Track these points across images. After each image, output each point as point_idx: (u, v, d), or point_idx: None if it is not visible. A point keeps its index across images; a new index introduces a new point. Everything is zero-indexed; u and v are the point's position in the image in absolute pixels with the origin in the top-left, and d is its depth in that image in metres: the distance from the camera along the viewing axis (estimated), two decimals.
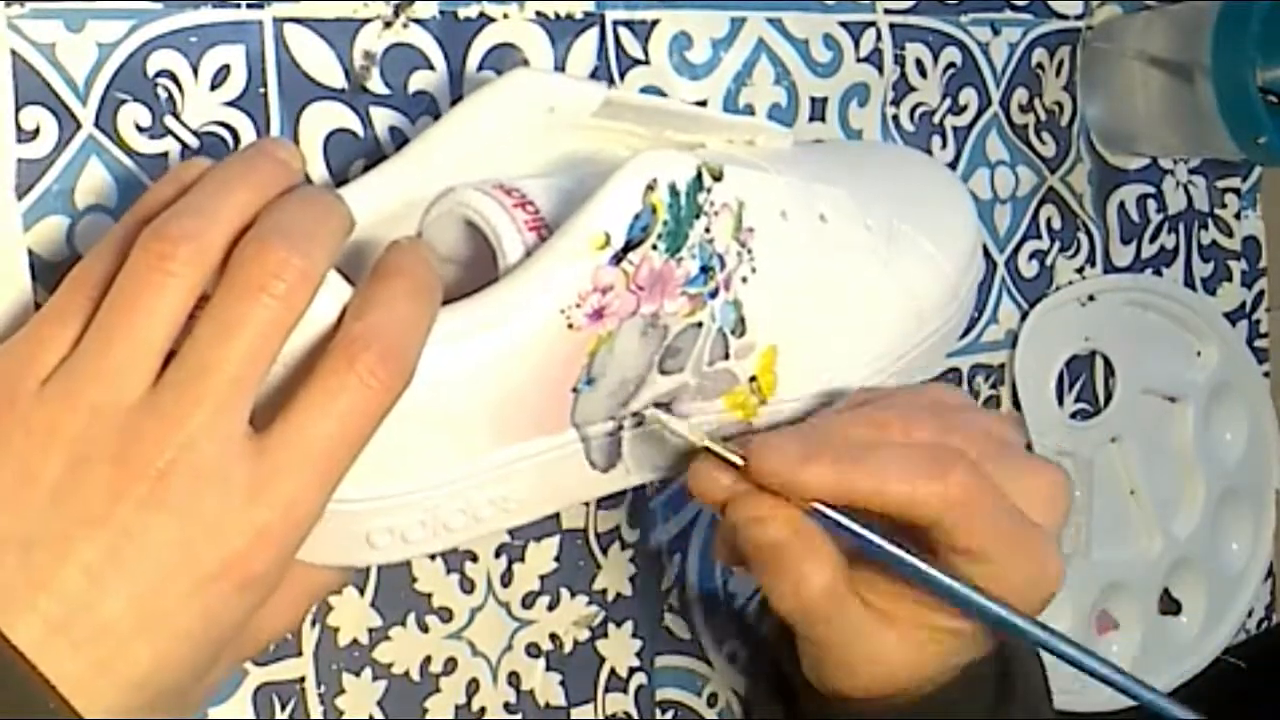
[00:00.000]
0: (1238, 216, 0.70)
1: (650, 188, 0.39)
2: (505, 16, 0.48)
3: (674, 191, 0.40)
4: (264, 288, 0.33)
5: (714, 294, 0.42)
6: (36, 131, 0.40)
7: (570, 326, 0.39)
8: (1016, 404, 0.63)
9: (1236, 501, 0.71)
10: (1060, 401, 0.64)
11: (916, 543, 0.41)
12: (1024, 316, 0.63)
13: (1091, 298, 0.65)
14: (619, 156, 0.45)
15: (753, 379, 0.44)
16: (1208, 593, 0.69)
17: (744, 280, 0.43)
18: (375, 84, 0.46)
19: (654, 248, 0.39)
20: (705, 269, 0.41)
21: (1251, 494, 0.71)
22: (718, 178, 0.41)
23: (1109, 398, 0.66)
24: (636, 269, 0.39)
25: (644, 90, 0.51)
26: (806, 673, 0.45)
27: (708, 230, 0.41)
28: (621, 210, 0.39)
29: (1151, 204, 0.67)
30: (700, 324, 0.42)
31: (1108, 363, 0.66)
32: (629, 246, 0.39)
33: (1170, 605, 0.69)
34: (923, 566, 0.41)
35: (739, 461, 0.41)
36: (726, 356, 0.43)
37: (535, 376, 0.39)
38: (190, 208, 0.34)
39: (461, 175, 0.41)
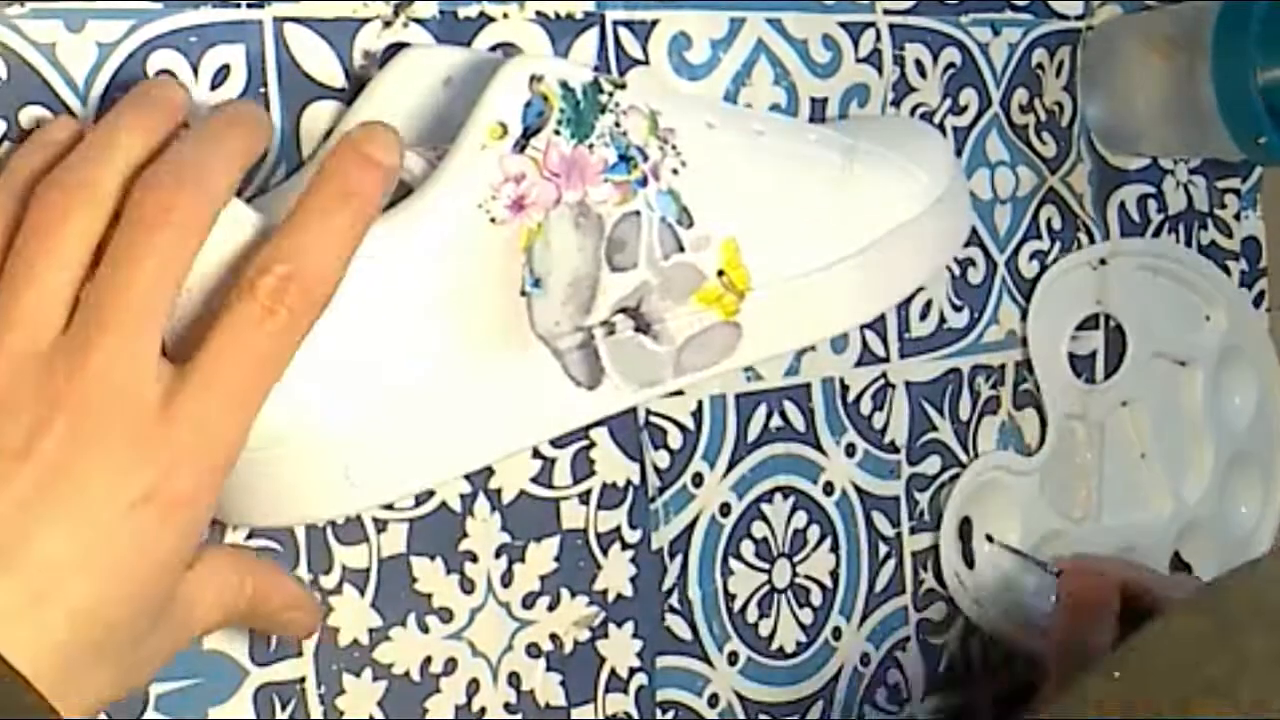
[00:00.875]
0: (1238, 217, 0.70)
1: (536, 78, 0.40)
2: (505, 16, 0.48)
3: (565, 86, 0.40)
4: (156, 222, 0.34)
5: (643, 182, 0.42)
6: None
7: (493, 220, 0.39)
8: (1029, 370, 0.63)
9: (1246, 465, 0.71)
10: (1072, 365, 0.64)
11: None
12: (1024, 316, 0.63)
13: (1103, 261, 0.65)
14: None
15: (721, 273, 0.44)
16: (1218, 556, 0.69)
17: (674, 172, 0.43)
18: None
19: (556, 133, 0.40)
20: (624, 158, 0.42)
21: (1261, 458, 0.71)
22: (620, 86, 0.42)
23: (1120, 361, 0.66)
24: (544, 154, 0.40)
25: None
26: None
27: (618, 124, 0.41)
28: (511, 100, 0.39)
29: (1152, 204, 0.67)
30: (637, 212, 0.42)
31: (1119, 326, 0.66)
32: (528, 133, 0.39)
33: (1181, 568, 0.69)
34: None
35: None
36: (681, 249, 0.43)
37: (475, 278, 0.39)
38: (82, 156, 0.36)
39: None
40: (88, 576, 0.33)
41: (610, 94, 0.41)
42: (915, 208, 0.49)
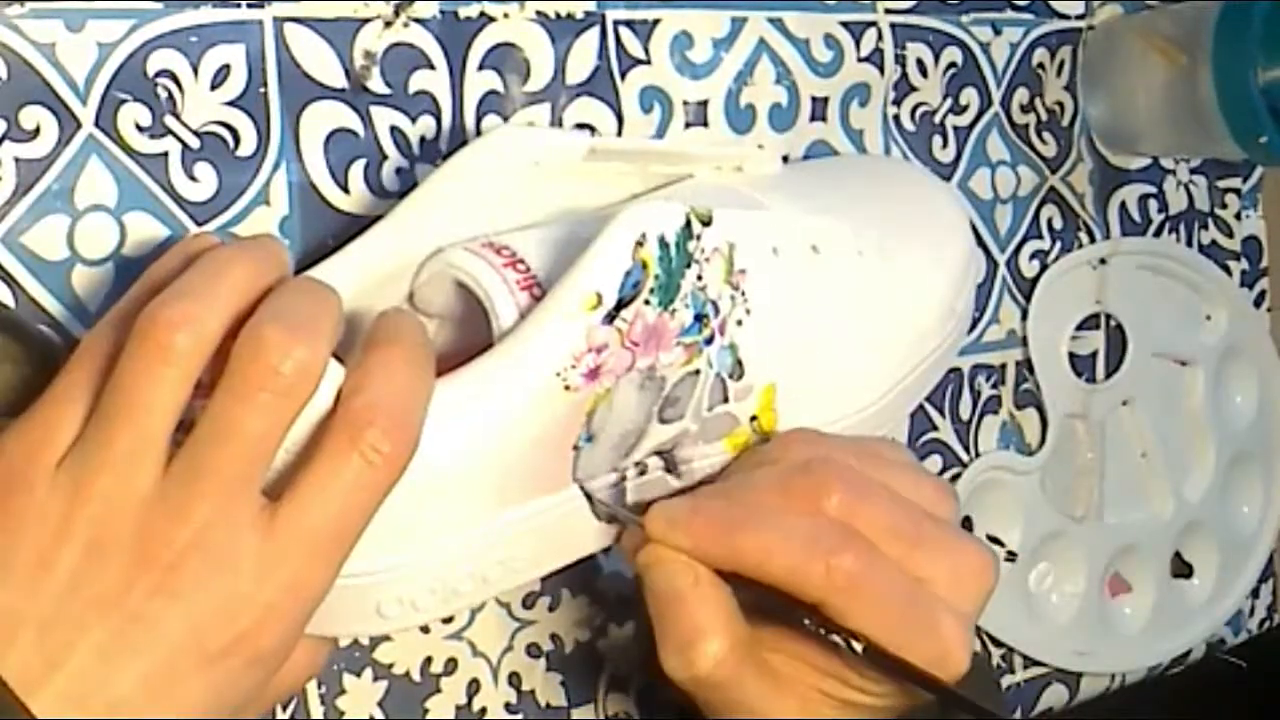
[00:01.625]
0: (1238, 217, 0.70)
1: (640, 243, 0.39)
2: (506, 16, 0.48)
3: (663, 244, 0.39)
4: (264, 385, 0.33)
5: (709, 340, 0.42)
6: (36, 131, 0.40)
7: (567, 388, 0.39)
8: (1030, 370, 0.63)
9: (1248, 465, 0.71)
10: (1072, 364, 0.64)
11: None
12: (1024, 316, 0.63)
13: (1103, 260, 0.65)
14: (608, 204, 0.45)
15: (753, 418, 0.44)
16: (1219, 556, 0.70)
17: (739, 323, 0.43)
18: (376, 83, 0.46)
19: (646, 303, 0.39)
20: (699, 317, 0.41)
21: (1262, 457, 0.71)
22: (706, 223, 0.41)
23: (1121, 361, 0.66)
24: (630, 325, 0.39)
25: (646, 90, 0.51)
26: None
27: (700, 278, 0.41)
28: (612, 269, 0.39)
29: (1153, 204, 0.67)
30: (698, 371, 0.42)
31: (1119, 326, 0.66)
32: (621, 304, 0.39)
33: (1182, 568, 0.69)
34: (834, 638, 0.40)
35: (640, 524, 0.41)
36: (726, 400, 0.43)
37: (535, 439, 0.39)
38: (186, 290, 0.35)
39: (449, 235, 0.41)
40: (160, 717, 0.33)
41: (699, 237, 0.40)
42: (941, 332, 0.50)
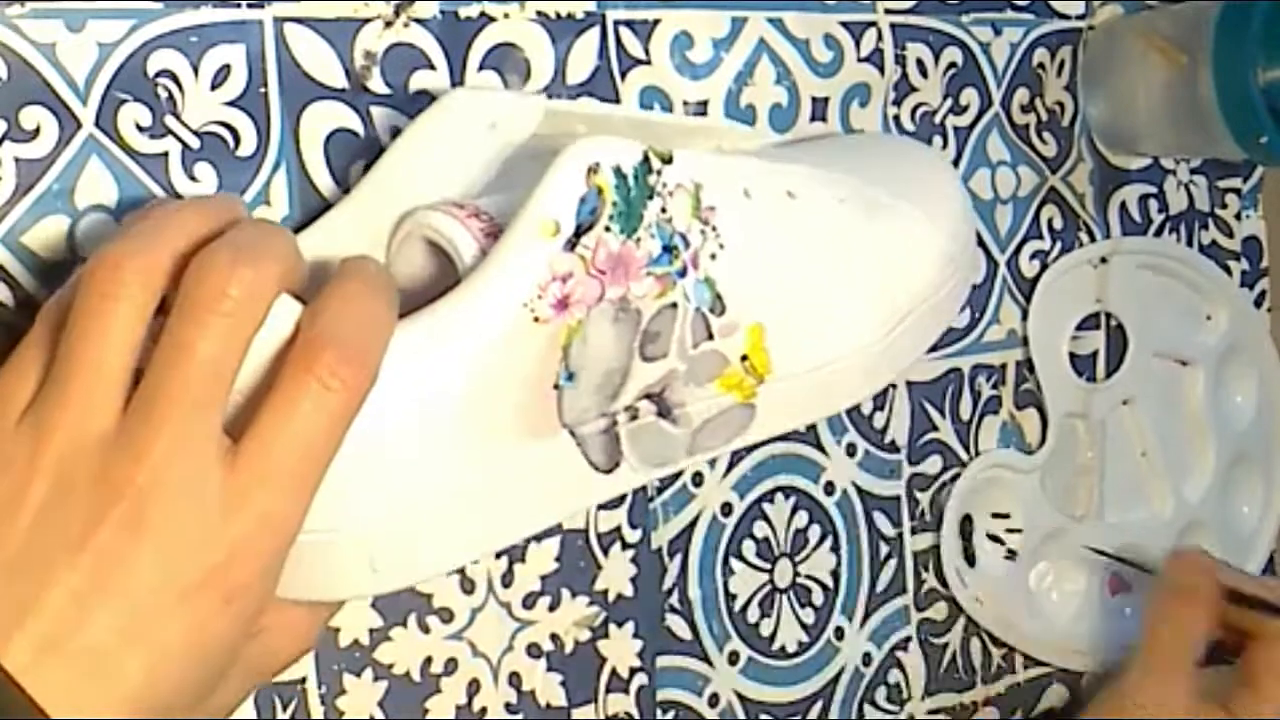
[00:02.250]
0: (1238, 217, 0.70)
1: (593, 170, 0.39)
2: (506, 16, 0.48)
3: (619, 173, 0.39)
4: (212, 307, 0.33)
5: (682, 273, 0.42)
6: (36, 131, 0.40)
7: (536, 319, 0.38)
8: (1030, 370, 0.63)
9: (1247, 465, 0.71)
10: (1073, 364, 0.64)
11: None
12: (1024, 316, 0.63)
13: (1104, 260, 0.65)
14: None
15: (744, 358, 0.44)
16: (1219, 556, 0.69)
17: (713, 257, 0.42)
18: (376, 84, 0.46)
19: (607, 229, 0.39)
20: (668, 248, 0.41)
21: (1262, 458, 0.71)
22: (667, 160, 0.41)
23: (1121, 360, 0.66)
24: (593, 252, 0.39)
25: (646, 90, 0.51)
26: None
27: (664, 210, 0.41)
28: (566, 195, 0.38)
29: (1153, 204, 0.67)
30: (674, 304, 0.42)
31: (1120, 325, 0.66)
32: (580, 230, 0.39)
33: None
34: None
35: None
36: (710, 336, 0.43)
37: (512, 376, 0.39)
38: (133, 231, 0.35)
39: (412, 202, 0.41)
40: (139, 661, 0.33)
41: (659, 172, 0.40)
42: (935, 278, 0.49)
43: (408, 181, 0.42)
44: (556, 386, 0.40)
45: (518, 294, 0.38)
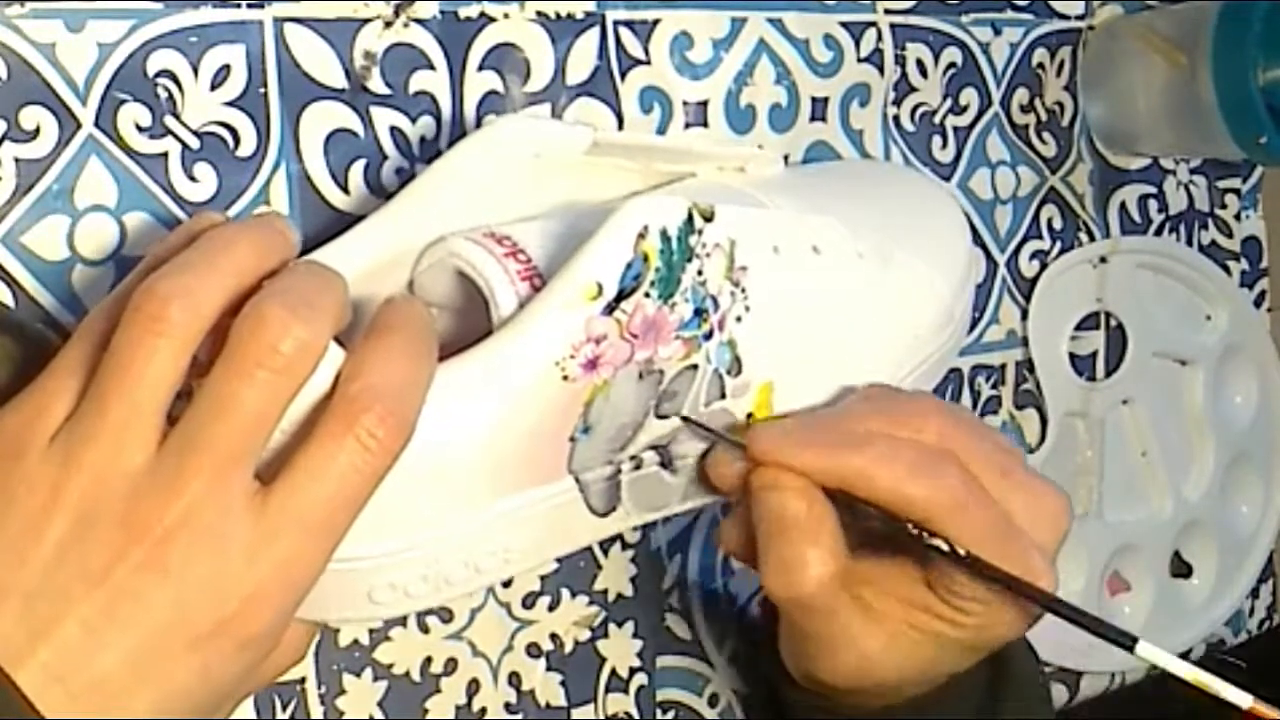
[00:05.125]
0: (1238, 217, 0.70)
1: (641, 235, 0.39)
2: (506, 16, 0.48)
3: (665, 237, 0.39)
4: (262, 362, 0.33)
5: (708, 336, 0.42)
6: (36, 131, 0.40)
7: (565, 378, 0.39)
8: (1030, 370, 0.63)
9: (1247, 465, 0.71)
10: (1072, 363, 0.64)
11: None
12: (1024, 317, 0.63)
13: (1104, 259, 0.65)
14: (609, 198, 0.45)
15: (749, 415, 0.44)
16: (1218, 556, 0.70)
17: (738, 319, 0.42)
18: (376, 84, 0.46)
19: (646, 295, 0.39)
20: (699, 311, 0.41)
21: (1262, 457, 0.72)
22: (709, 218, 0.41)
23: (1121, 360, 0.66)
24: (630, 317, 0.39)
25: (645, 91, 0.51)
26: (788, 663, 0.46)
27: (700, 273, 0.41)
28: (613, 260, 0.38)
29: (1153, 204, 0.67)
30: (695, 366, 0.42)
31: (1120, 325, 0.66)
32: (621, 295, 0.39)
33: (1181, 568, 0.69)
34: (938, 542, 0.41)
35: (742, 443, 0.42)
36: (723, 396, 0.43)
37: (532, 429, 0.39)
38: (183, 264, 0.34)
39: (451, 225, 0.41)
40: (147, 699, 0.33)
41: (700, 231, 0.40)
42: (936, 338, 0.50)
43: (445, 201, 0.42)
44: (572, 439, 0.40)
45: (551, 353, 0.38)
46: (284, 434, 0.34)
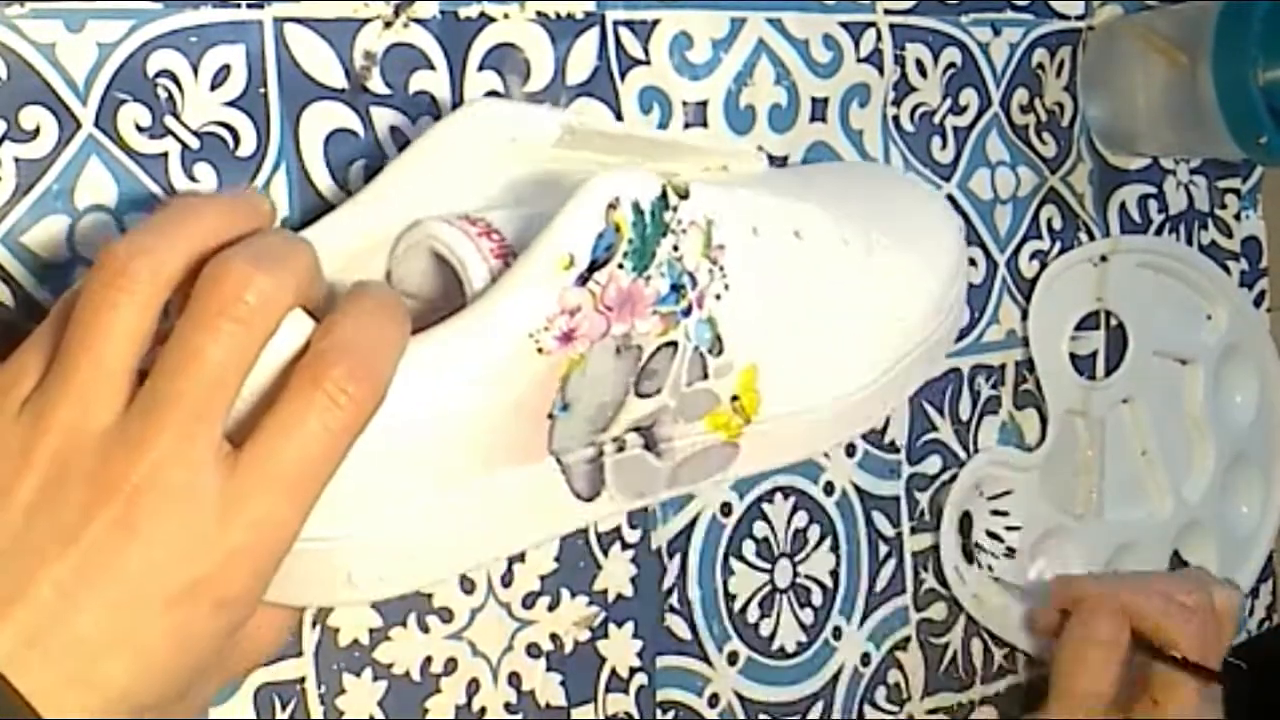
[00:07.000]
0: (1238, 217, 0.70)
1: (612, 206, 0.38)
2: (506, 16, 0.48)
3: (638, 209, 0.39)
4: (224, 311, 0.33)
5: (687, 312, 0.41)
6: (36, 131, 0.41)
7: (540, 350, 0.38)
8: (1030, 369, 0.63)
9: (1247, 465, 0.71)
10: (1073, 362, 0.64)
11: None
12: (1024, 317, 0.63)
13: (1104, 258, 0.65)
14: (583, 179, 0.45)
15: (735, 398, 0.44)
16: (1218, 556, 0.70)
17: (717, 297, 0.42)
18: (376, 84, 0.46)
19: (620, 266, 0.39)
20: (676, 287, 0.41)
21: (1262, 458, 0.72)
22: (684, 195, 0.40)
23: (1121, 359, 0.66)
24: (603, 289, 0.39)
25: (645, 91, 0.51)
26: None
27: (676, 248, 0.40)
28: (584, 230, 0.38)
29: (1152, 204, 0.67)
30: (675, 343, 0.41)
31: (1120, 324, 0.66)
32: (594, 266, 0.38)
33: (1181, 568, 0.69)
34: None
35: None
36: (705, 376, 0.43)
37: (509, 403, 0.38)
38: (147, 226, 0.34)
39: (427, 210, 0.41)
40: (122, 662, 0.32)
41: (675, 208, 0.40)
42: (927, 326, 0.50)
43: (420, 186, 0.42)
44: (551, 415, 0.40)
45: (524, 325, 0.38)
46: (255, 399, 0.34)
